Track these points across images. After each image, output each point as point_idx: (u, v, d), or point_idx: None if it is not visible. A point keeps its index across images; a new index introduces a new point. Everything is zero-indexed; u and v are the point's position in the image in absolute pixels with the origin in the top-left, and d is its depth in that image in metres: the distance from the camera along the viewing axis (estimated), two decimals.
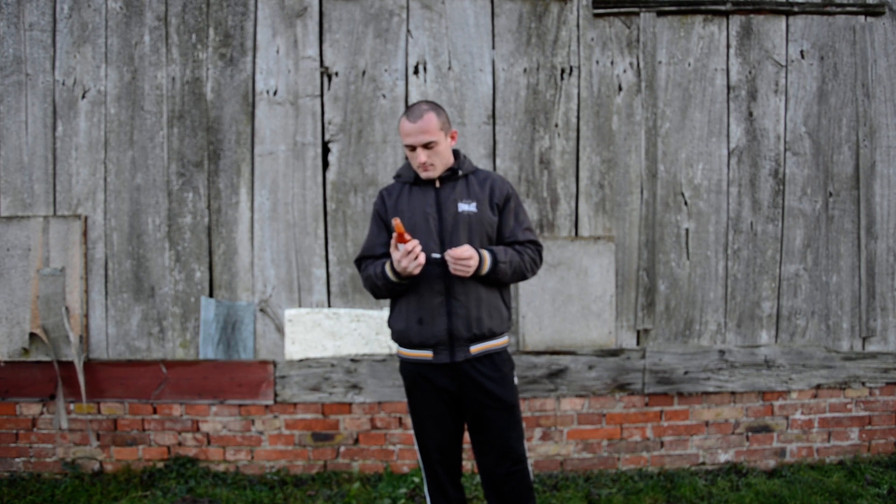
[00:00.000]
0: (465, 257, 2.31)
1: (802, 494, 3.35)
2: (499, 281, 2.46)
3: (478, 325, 2.42)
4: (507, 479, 2.48)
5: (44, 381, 3.62)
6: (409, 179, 2.53)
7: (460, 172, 2.50)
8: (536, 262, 2.56)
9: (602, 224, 3.70)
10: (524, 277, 2.55)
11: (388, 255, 2.45)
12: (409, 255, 2.28)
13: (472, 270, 2.34)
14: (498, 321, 2.48)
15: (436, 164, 2.42)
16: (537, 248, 2.57)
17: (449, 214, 2.44)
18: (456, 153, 2.55)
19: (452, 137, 2.51)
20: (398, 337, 2.51)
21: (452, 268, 2.33)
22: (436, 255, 2.38)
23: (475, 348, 2.43)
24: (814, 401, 3.77)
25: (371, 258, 2.55)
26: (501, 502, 2.50)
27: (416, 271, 2.31)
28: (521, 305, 3.66)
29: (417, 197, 2.49)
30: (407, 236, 2.29)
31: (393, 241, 2.32)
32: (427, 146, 2.39)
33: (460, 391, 2.46)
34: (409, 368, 2.51)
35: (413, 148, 2.40)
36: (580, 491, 3.45)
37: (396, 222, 2.26)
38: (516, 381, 2.54)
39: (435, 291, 2.41)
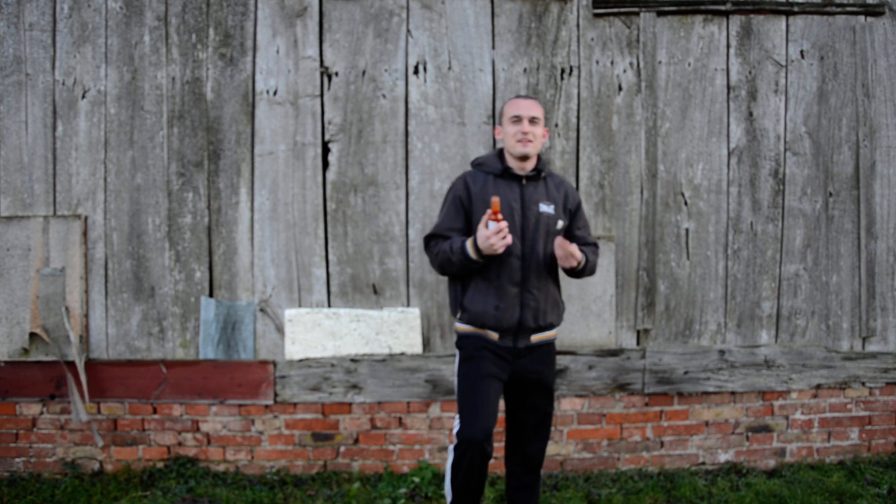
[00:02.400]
0: (575, 253, 2.57)
1: (802, 494, 3.36)
2: (580, 274, 2.74)
3: (543, 318, 2.67)
4: (535, 456, 2.76)
5: (44, 381, 3.62)
6: (495, 171, 2.69)
7: (542, 174, 2.71)
8: (597, 264, 2.88)
9: (602, 224, 3.70)
10: (591, 274, 2.84)
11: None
12: (499, 234, 2.41)
13: (573, 263, 2.59)
14: (556, 315, 2.74)
15: (534, 141, 2.63)
16: (597, 250, 2.89)
17: (531, 213, 2.64)
18: (538, 156, 2.74)
19: (545, 135, 2.73)
20: (472, 317, 2.66)
21: (562, 261, 2.58)
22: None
23: (535, 337, 2.69)
24: (814, 401, 3.77)
25: (441, 237, 2.69)
26: (522, 480, 2.77)
27: (501, 250, 2.45)
28: None
29: (503, 190, 2.65)
30: (501, 216, 2.42)
31: (485, 219, 2.45)
32: (532, 120, 2.63)
33: (513, 371, 2.66)
34: (474, 340, 2.67)
35: (518, 120, 2.62)
36: (580, 491, 3.45)
37: (495, 200, 2.40)
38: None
39: (513, 282, 2.61)
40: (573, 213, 2.77)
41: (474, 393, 2.60)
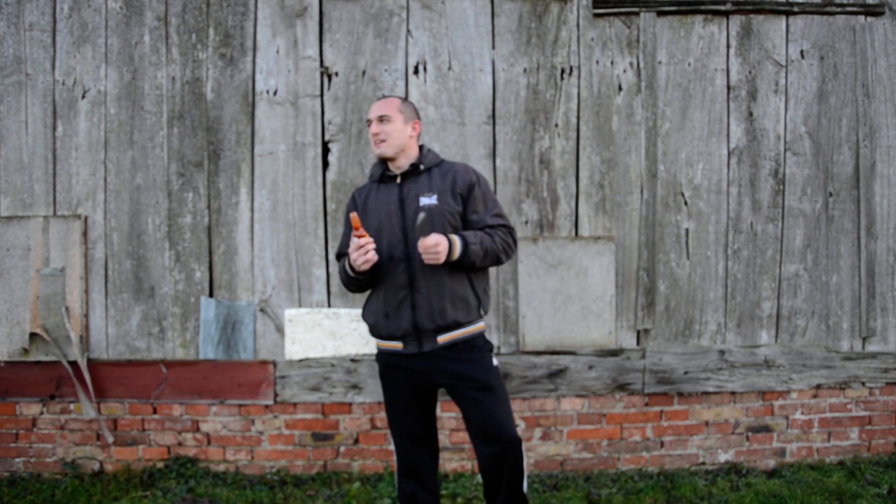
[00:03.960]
0: (430, 244, 2.34)
1: (802, 494, 3.36)
2: (473, 265, 2.48)
3: (441, 317, 2.46)
4: (495, 457, 2.48)
5: (44, 381, 3.61)
6: (377, 177, 2.63)
7: (422, 167, 2.58)
8: (510, 245, 2.56)
9: (602, 224, 3.70)
10: (499, 261, 2.56)
11: None
12: (359, 250, 2.38)
13: (442, 257, 2.36)
14: (464, 312, 2.50)
15: (387, 140, 2.53)
16: (509, 230, 2.57)
17: (410, 209, 2.51)
18: (421, 148, 2.64)
19: (414, 128, 2.61)
20: (370, 329, 2.62)
21: (424, 258, 2.37)
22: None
23: (442, 338, 2.49)
24: (814, 401, 3.77)
25: (345, 256, 2.64)
26: (490, 481, 2.54)
27: (365, 267, 2.40)
28: (521, 305, 3.66)
29: (383, 195, 2.58)
30: (361, 231, 2.39)
31: (352, 235, 2.42)
32: (381, 119, 2.54)
33: (434, 377, 2.53)
34: (383, 357, 2.62)
35: (369, 123, 2.57)
36: (580, 491, 3.45)
37: (353, 216, 2.37)
38: (496, 362, 2.57)
39: (399, 286, 2.49)
40: (465, 197, 2.53)
41: (390, 418, 2.65)
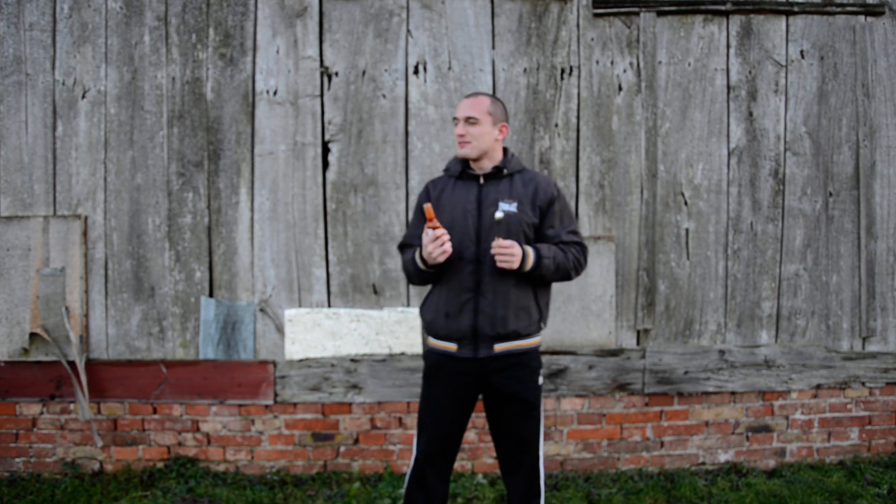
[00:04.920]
0: (507, 244, 2.34)
1: (802, 494, 3.36)
2: (542, 278, 2.47)
3: (502, 325, 2.44)
4: (519, 472, 2.53)
5: (44, 381, 3.61)
6: (455, 173, 2.57)
7: (505, 171, 2.53)
8: (581, 263, 2.56)
9: (602, 224, 3.71)
10: (568, 277, 2.55)
11: None
12: (435, 242, 2.34)
13: (515, 261, 2.36)
14: (525, 323, 2.48)
15: (472, 142, 2.47)
16: (582, 249, 2.57)
17: (488, 213, 2.46)
18: (505, 151, 2.59)
19: (501, 131, 2.54)
20: (427, 327, 2.57)
21: (497, 259, 2.35)
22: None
23: (499, 346, 2.46)
24: (814, 401, 3.77)
25: (409, 247, 2.61)
26: (512, 490, 2.55)
27: (441, 259, 2.36)
28: None
29: (461, 192, 2.53)
30: (436, 223, 2.34)
31: (425, 227, 2.38)
32: (468, 120, 2.47)
33: (480, 385, 2.50)
34: (433, 357, 2.56)
35: (456, 122, 2.50)
36: (580, 491, 3.45)
37: (427, 207, 2.32)
38: (541, 380, 2.55)
39: (464, 288, 2.45)
40: (544, 210, 2.51)
41: (423, 417, 2.57)
